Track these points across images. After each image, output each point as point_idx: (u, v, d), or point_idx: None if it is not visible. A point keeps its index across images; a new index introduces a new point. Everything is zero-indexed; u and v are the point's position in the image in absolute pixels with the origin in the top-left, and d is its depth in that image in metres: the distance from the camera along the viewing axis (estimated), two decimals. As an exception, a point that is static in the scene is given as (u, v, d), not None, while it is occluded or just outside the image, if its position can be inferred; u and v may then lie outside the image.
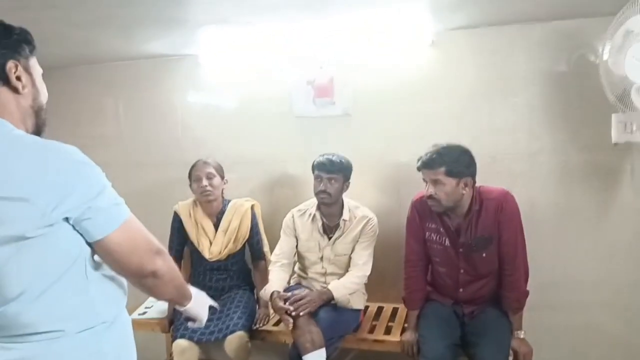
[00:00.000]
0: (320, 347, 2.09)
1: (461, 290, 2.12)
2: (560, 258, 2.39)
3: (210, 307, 2.45)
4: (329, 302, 2.24)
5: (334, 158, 2.31)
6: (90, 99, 3.09)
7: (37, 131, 1.09)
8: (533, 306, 2.35)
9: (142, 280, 1.07)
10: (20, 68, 1.03)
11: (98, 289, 1.03)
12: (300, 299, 2.17)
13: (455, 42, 2.44)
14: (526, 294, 2.07)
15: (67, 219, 0.95)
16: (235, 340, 2.24)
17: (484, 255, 2.04)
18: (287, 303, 2.16)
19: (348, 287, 2.27)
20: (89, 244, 1.00)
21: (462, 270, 2.10)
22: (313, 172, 2.35)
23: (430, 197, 2.01)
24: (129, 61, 2.96)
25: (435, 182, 1.98)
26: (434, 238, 2.13)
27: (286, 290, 2.33)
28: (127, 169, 3.01)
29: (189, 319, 1.42)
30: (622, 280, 2.33)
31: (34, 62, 1.09)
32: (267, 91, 2.75)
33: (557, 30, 2.30)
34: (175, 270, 1.15)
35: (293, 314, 2.11)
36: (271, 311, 2.39)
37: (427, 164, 1.99)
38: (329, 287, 2.26)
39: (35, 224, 0.91)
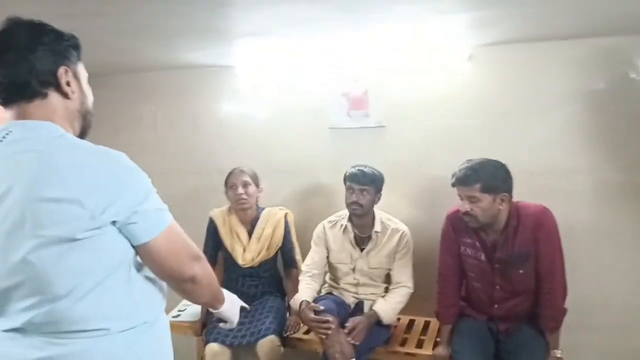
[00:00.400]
0: (350, 358, 2.09)
1: (496, 306, 2.10)
2: (597, 279, 2.34)
3: (242, 310, 2.50)
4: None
5: (366, 170, 2.32)
6: (129, 106, 3.18)
7: (82, 133, 1.13)
8: (567, 327, 2.31)
9: (181, 285, 1.10)
10: (70, 73, 1.07)
11: (141, 290, 1.07)
12: (353, 329, 2.16)
13: (493, 57, 2.43)
14: (564, 312, 2.03)
15: (114, 222, 0.98)
16: (267, 344, 2.27)
17: (520, 271, 2.02)
18: (348, 336, 2.15)
19: (395, 308, 2.29)
20: (133, 247, 1.04)
21: (497, 287, 2.07)
22: (345, 183, 2.37)
23: (466, 213, 1.99)
24: (168, 70, 3.04)
25: (471, 199, 1.96)
26: (469, 252, 2.12)
27: (315, 300, 2.34)
28: (163, 176, 3.01)
29: (221, 320, 1.46)
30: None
31: (81, 67, 1.13)
32: (301, 102, 2.79)
33: (597, 47, 2.28)
34: (212, 275, 1.18)
35: (353, 342, 2.12)
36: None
37: (462, 181, 1.97)
38: (376, 309, 2.27)
39: (84, 226, 0.94)
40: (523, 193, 2.17)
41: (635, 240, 2.30)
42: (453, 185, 2.02)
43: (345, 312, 2.36)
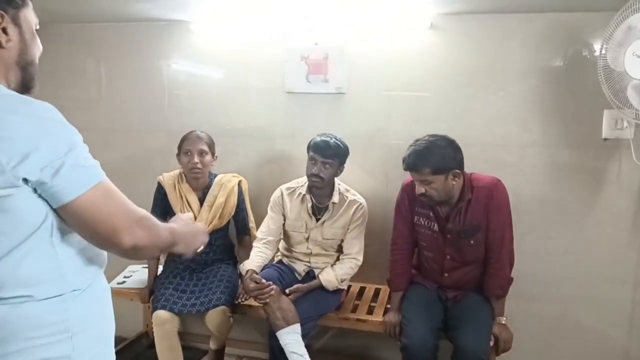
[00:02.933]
0: (294, 322, 2.09)
1: (446, 275, 2.15)
2: (541, 250, 2.43)
3: (192, 279, 2.42)
4: None
5: (331, 142, 2.23)
6: (72, 59, 2.96)
7: (24, 88, 1.02)
8: (508, 296, 2.40)
9: (122, 253, 1.01)
10: (7, 19, 0.96)
11: (68, 257, 0.98)
12: (293, 291, 2.22)
13: (454, 27, 2.40)
14: (510, 281, 2.11)
15: (26, 181, 0.88)
16: (217, 315, 2.22)
17: (471, 242, 2.06)
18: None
19: (339, 278, 2.29)
20: (54, 209, 0.93)
21: (448, 256, 2.12)
22: (308, 152, 2.28)
23: (422, 195, 2.00)
24: (116, 23, 2.84)
25: (424, 182, 1.98)
26: (423, 222, 2.14)
27: (264, 268, 2.33)
28: (108, 135, 2.92)
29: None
30: (600, 276, 2.39)
31: (26, 14, 1.01)
32: (258, 64, 2.68)
33: (556, 22, 2.29)
34: (158, 232, 1.06)
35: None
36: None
37: (412, 167, 1.98)
38: (321, 278, 2.28)
39: None
40: (474, 165, 2.20)
41: (578, 215, 2.39)
42: (405, 169, 2.02)
43: (294, 280, 2.36)
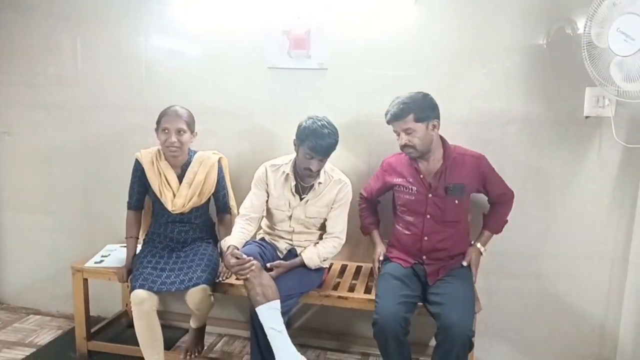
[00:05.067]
0: (274, 299, 2.08)
1: (425, 238, 2.16)
2: (523, 227, 2.44)
3: (171, 257, 2.38)
4: None
5: (329, 140, 2.12)
6: (47, 33, 2.85)
7: None
8: (490, 271, 2.42)
9: None
10: None
11: None
12: (274, 267, 2.21)
13: (439, 3, 2.37)
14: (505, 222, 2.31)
15: None
16: (197, 293, 2.20)
17: (456, 202, 2.14)
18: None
19: (323, 257, 2.28)
20: None
21: (428, 216, 2.16)
22: (301, 142, 2.15)
23: (405, 145, 2.09)
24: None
25: (407, 131, 2.07)
26: (403, 188, 2.21)
27: (245, 244, 2.29)
28: (84, 112, 2.83)
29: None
30: (579, 252, 2.42)
31: None
32: (239, 39, 2.61)
33: (542, -1, 2.27)
34: None
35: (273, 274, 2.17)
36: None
37: (397, 116, 2.08)
38: (303, 256, 2.26)
39: None
40: (459, 141, 2.24)
41: (559, 191, 2.40)
42: (388, 122, 2.12)
43: (276, 257, 2.34)
